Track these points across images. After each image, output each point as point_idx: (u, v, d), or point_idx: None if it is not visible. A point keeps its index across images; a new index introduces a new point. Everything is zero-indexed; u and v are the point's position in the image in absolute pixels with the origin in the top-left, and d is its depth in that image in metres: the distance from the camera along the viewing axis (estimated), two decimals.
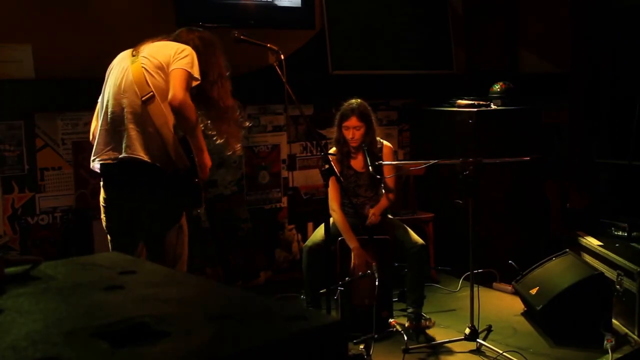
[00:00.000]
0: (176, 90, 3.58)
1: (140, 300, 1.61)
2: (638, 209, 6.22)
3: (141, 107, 3.68)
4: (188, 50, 3.75)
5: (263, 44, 4.11)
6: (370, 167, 5.08)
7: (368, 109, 5.31)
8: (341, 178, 4.36)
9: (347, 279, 4.98)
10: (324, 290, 4.52)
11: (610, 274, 5.33)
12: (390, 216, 5.52)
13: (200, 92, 3.85)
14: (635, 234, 5.93)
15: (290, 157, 6.58)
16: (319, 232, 5.16)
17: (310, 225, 6.70)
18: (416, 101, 7.32)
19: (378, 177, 5.19)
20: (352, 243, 5.10)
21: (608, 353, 4.67)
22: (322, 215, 4.71)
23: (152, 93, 3.67)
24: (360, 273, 4.98)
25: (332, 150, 5.40)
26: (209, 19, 5.87)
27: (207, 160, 3.91)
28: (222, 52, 4.03)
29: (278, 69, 3.98)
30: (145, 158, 3.67)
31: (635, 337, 4.97)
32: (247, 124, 4.42)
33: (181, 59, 3.69)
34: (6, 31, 5.13)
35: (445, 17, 7.49)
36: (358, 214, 5.07)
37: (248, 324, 1.42)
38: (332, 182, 4.31)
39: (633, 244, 5.71)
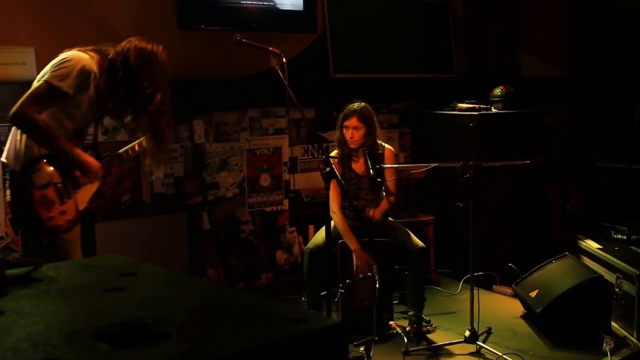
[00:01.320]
0: (17, 104, 3.60)
1: (141, 302, 1.62)
2: (638, 212, 6.23)
3: None
4: (72, 62, 3.69)
5: (265, 47, 4.13)
6: (371, 170, 5.09)
7: (371, 112, 5.33)
8: (342, 181, 4.37)
9: (347, 281, 5.00)
10: (325, 292, 4.53)
11: (609, 277, 5.34)
12: (390, 219, 5.53)
13: (132, 103, 3.85)
14: (634, 237, 5.94)
15: (291, 160, 6.59)
16: (320, 235, 5.18)
17: (311, 227, 6.71)
18: (417, 104, 7.33)
19: (379, 180, 5.21)
20: (353, 245, 5.11)
21: (607, 356, 4.68)
22: (323, 217, 4.72)
23: None
24: (361, 275, 5.00)
25: (334, 153, 5.42)
26: (211, 22, 5.91)
27: (86, 159, 3.83)
28: (164, 69, 3.90)
29: (280, 72, 3.99)
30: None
31: (634, 339, 4.98)
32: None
33: (54, 70, 3.67)
34: (10, 35, 5.15)
35: (446, 21, 7.50)
36: (359, 216, 5.08)
37: (249, 325, 1.43)
38: (333, 185, 4.33)
39: (632, 247, 5.72)
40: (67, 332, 1.42)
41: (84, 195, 3.94)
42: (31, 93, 3.62)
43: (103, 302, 1.64)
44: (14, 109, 3.59)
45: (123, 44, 3.82)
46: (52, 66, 3.69)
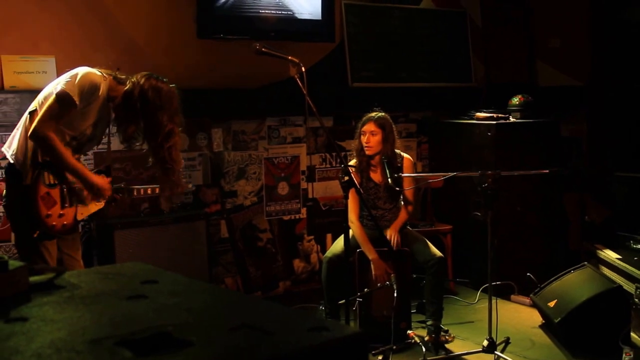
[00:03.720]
0: (36, 122, 3.67)
1: (163, 310, 1.63)
2: None
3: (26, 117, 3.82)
4: (79, 75, 3.75)
5: (284, 56, 4.13)
6: (389, 179, 5.09)
7: (389, 120, 5.33)
8: (361, 190, 4.38)
9: (365, 290, 5.00)
10: (343, 301, 4.53)
11: (628, 287, 5.32)
12: (409, 228, 5.53)
13: (151, 136, 3.92)
14: None
15: (309, 169, 6.61)
16: (339, 244, 5.18)
17: (329, 236, 6.72)
18: (435, 114, 7.33)
19: (397, 189, 5.21)
20: (371, 254, 5.12)
21: None
22: (341, 226, 4.73)
23: (34, 108, 3.80)
24: (379, 284, 5.00)
25: (353, 162, 5.42)
26: (230, 32, 5.94)
27: (95, 181, 3.90)
28: (178, 109, 3.98)
29: (299, 81, 4.00)
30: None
31: None
32: (190, 186, 4.56)
33: (65, 80, 3.73)
34: (32, 44, 5.22)
35: (464, 30, 7.50)
36: (377, 225, 5.08)
37: (270, 334, 1.43)
38: (351, 194, 4.33)
39: None
40: (90, 338, 1.43)
41: (86, 209, 4.04)
42: (46, 110, 3.68)
43: (125, 310, 1.65)
44: (32, 126, 3.66)
45: (139, 77, 3.90)
46: (60, 80, 3.76)
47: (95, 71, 3.84)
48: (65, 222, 3.88)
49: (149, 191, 4.37)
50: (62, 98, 3.68)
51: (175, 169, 4.01)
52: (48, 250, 3.87)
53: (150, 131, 3.88)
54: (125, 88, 3.86)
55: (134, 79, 3.88)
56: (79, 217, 4.00)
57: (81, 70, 3.78)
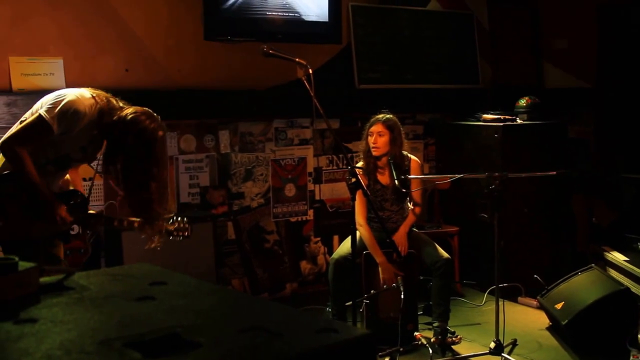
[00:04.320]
0: (7, 135, 3.53)
1: (172, 311, 1.64)
2: None
3: None
4: (66, 99, 3.53)
5: (292, 58, 4.13)
6: (396, 181, 5.09)
7: (396, 122, 5.32)
8: (368, 191, 4.37)
9: (372, 291, 5.00)
10: (350, 302, 4.53)
11: (636, 289, 5.31)
12: (415, 230, 5.52)
13: (124, 180, 3.67)
14: None
15: (316, 170, 6.61)
16: (345, 245, 5.18)
17: (335, 238, 6.72)
18: (442, 115, 7.33)
19: (404, 190, 5.21)
20: (379, 258, 5.11)
21: None
22: (348, 228, 4.73)
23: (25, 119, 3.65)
24: (385, 286, 5.00)
25: (360, 164, 5.42)
26: (237, 34, 5.94)
27: (46, 204, 3.64)
28: (162, 158, 3.70)
29: (306, 83, 4.00)
30: None
31: None
32: (185, 233, 4.20)
33: (49, 105, 3.53)
34: (39, 46, 5.23)
35: (471, 32, 7.49)
36: (384, 227, 5.07)
37: (279, 335, 1.44)
38: (358, 196, 4.32)
39: None
40: (99, 340, 1.44)
41: (46, 229, 3.76)
42: (21, 129, 3.53)
43: (134, 311, 1.65)
44: (3, 138, 3.53)
45: (129, 112, 3.60)
46: (48, 100, 3.58)
47: (86, 94, 3.60)
48: (12, 231, 3.63)
49: (135, 224, 3.96)
50: (40, 124, 3.49)
51: (153, 220, 3.81)
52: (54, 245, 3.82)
53: (124, 176, 3.62)
54: (110, 120, 3.59)
55: (123, 113, 3.60)
56: (35, 236, 3.70)
57: (69, 95, 3.55)
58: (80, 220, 3.92)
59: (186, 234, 4.21)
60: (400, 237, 5.24)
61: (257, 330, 1.46)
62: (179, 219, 4.18)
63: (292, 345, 1.40)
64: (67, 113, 3.49)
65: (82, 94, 3.59)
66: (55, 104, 3.51)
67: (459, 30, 7.46)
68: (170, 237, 4.16)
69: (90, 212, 3.98)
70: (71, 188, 3.95)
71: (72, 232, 3.95)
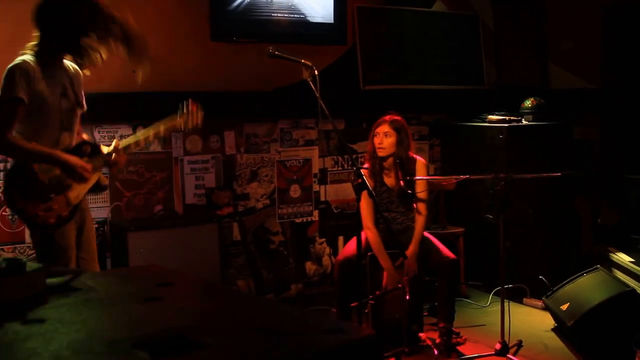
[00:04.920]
0: None
1: (179, 312, 1.64)
2: None
3: None
4: (6, 70, 3.68)
5: (297, 60, 4.14)
6: (401, 181, 5.08)
7: (403, 123, 5.30)
8: (373, 192, 4.37)
9: (377, 292, 5.00)
10: (355, 303, 4.53)
11: None
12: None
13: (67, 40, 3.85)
14: None
15: (321, 171, 6.62)
16: (351, 246, 5.18)
17: (341, 239, 6.73)
18: (447, 116, 7.33)
19: (409, 191, 5.20)
20: (385, 264, 5.10)
21: None
22: (353, 229, 4.73)
23: None
24: (390, 287, 5.00)
25: (366, 165, 5.40)
26: (243, 35, 5.95)
27: (67, 159, 3.78)
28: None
29: (312, 84, 4.01)
30: None
31: None
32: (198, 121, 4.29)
33: (2, 88, 3.69)
34: None
35: (476, 33, 7.48)
36: (390, 229, 5.07)
37: (286, 336, 1.44)
38: (364, 198, 4.32)
39: None
40: (108, 340, 1.45)
41: (78, 190, 3.89)
42: None
43: (142, 312, 1.66)
44: None
45: None
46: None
47: (18, 59, 3.73)
48: (59, 214, 3.77)
49: (141, 142, 4.19)
50: (6, 102, 3.64)
51: (137, 41, 4.05)
52: (65, 236, 3.83)
53: (69, 34, 3.81)
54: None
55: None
56: (75, 202, 3.86)
57: (8, 67, 3.69)
58: (102, 163, 4.04)
59: (199, 121, 4.28)
60: (410, 256, 5.12)
61: (264, 331, 1.47)
62: (187, 107, 4.24)
63: (299, 345, 1.40)
64: (16, 75, 3.63)
65: (12, 63, 3.71)
66: (3, 82, 3.66)
67: (464, 32, 7.45)
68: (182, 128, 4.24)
69: (105, 151, 4.07)
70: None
71: (102, 184, 4.09)
